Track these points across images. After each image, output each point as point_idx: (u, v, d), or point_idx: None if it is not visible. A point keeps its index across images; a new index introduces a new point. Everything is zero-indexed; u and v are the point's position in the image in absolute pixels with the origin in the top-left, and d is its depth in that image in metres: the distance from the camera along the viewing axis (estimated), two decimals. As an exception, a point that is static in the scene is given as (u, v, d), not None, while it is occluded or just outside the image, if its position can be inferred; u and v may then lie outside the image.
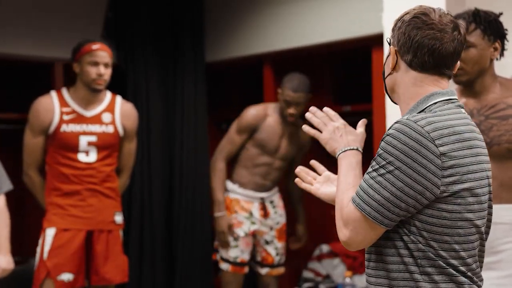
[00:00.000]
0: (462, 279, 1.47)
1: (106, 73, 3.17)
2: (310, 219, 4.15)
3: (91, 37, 3.48)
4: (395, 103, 1.63)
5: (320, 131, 1.67)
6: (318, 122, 1.67)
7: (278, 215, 3.64)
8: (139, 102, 4.43)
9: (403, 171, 1.41)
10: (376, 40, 3.48)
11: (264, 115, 3.62)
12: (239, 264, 3.58)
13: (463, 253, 1.47)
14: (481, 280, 1.55)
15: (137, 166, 4.34)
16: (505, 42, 2.24)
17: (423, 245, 1.46)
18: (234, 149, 3.62)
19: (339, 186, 1.53)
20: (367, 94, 3.66)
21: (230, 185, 3.65)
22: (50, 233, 3.11)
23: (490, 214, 1.59)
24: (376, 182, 1.44)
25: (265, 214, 3.57)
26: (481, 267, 1.57)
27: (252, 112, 3.63)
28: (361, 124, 1.67)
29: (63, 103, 3.18)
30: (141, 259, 4.34)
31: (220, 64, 4.60)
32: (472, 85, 2.22)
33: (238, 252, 3.57)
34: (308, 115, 1.69)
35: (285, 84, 3.54)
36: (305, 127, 1.70)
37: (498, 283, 2.16)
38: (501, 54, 2.25)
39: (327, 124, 1.65)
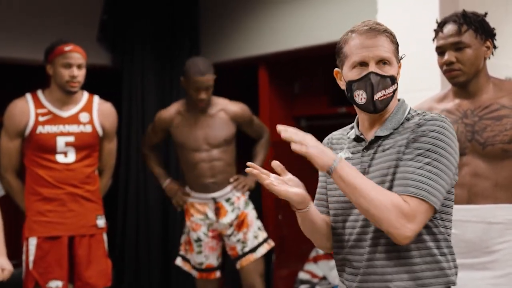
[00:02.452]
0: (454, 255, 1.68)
1: (80, 74, 3.11)
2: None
3: (86, 40, 3.47)
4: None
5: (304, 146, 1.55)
6: (299, 139, 1.54)
7: (236, 209, 3.53)
8: (134, 105, 4.44)
9: (449, 160, 1.57)
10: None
11: (170, 116, 3.56)
12: (206, 270, 3.54)
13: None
14: None
15: (132, 169, 4.36)
16: (495, 40, 2.26)
17: (442, 228, 1.62)
18: (152, 141, 3.69)
19: (367, 191, 1.53)
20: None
21: (187, 189, 3.63)
22: (32, 242, 3.07)
23: None
24: (434, 174, 1.54)
25: (219, 214, 3.49)
26: None
27: (159, 116, 3.63)
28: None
29: (39, 104, 3.14)
30: (137, 262, 4.35)
31: (215, 66, 4.60)
32: (466, 86, 2.23)
33: (202, 258, 3.53)
34: (283, 134, 1.55)
35: (189, 71, 3.44)
36: (295, 147, 1.54)
37: (494, 282, 2.17)
38: (492, 53, 2.27)
39: (307, 139, 1.55)
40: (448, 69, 2.21)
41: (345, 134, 1.75)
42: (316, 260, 4.29)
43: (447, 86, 2.36)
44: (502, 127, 2.17)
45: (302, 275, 4.31)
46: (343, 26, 1.77)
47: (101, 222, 3.24)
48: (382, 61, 1.61)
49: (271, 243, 3.61)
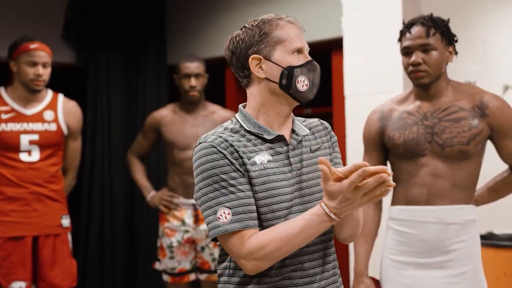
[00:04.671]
0: None
1: (45, 73, 3.08)
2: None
3: (50, 38, 3.43)
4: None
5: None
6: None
7: None
8: (99, 104, 4.41)
9: None
10: (336, 43, 3.54)
11: (161, 116, 3.59)
12: (178, 274, 3.53)
13: None
14: None
15: (97, 167, 4.32)
16: (455, 46, 2.33)
17: None
18: (142, 148, 3.67)
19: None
20: (327, 97, 3.72)
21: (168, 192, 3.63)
22: None
23: None
24: None
25: (197, 221, 3.48)
26: None
27: (150, 116, 3.67)
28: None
29: (1, 102, 3.09)
30: (101, 262, 4.32)
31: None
32: (428, 88, 2.28)
33: (175, 263, 3.52)
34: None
35: (180, 63, 3.54)
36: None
37: (449, 281, 2.22)
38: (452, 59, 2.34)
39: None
40: (414, 70, 2.24)
41: (239, 136, 1.54)
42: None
43: (409, 88, 2.41)
44: (460, 129, 2.22)
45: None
46: (308, 29, 1.80)
47: (65, 221, 3.20)
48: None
49: None
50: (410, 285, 2.26)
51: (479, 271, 2.27)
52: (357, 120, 2.87)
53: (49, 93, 3.22)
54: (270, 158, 1.52)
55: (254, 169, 1.49)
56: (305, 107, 4.14)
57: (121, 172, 4.31)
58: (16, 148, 3.06)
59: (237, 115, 1.59)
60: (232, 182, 1.47)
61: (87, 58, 4.38)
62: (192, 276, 3.57)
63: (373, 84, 3.18)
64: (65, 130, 3.20)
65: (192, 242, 3.53)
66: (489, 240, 3.05)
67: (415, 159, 2.26)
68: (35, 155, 3.09)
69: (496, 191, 2.38)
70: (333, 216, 1.40)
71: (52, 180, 3.15)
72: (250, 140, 1.53)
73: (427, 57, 2.23)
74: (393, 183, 1.36)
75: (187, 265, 3.54)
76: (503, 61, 3.87)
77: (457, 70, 2.85)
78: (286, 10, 3.95)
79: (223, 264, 1.57)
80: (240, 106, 1.61)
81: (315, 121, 1.65)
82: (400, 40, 2.32)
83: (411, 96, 2.36)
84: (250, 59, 1.53)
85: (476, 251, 2.28)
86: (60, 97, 3.25)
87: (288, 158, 1.53)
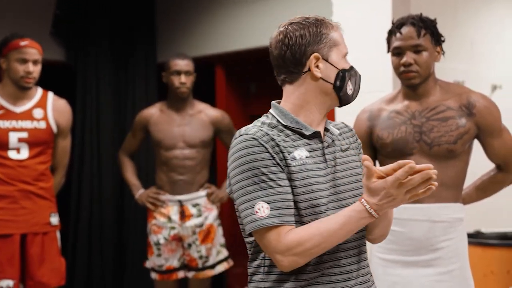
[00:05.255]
0: None
1: (35, 70, 3.06)
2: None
3: (39, 35, 3.41)
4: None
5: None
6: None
7: (203, 217, 3.53)
8: (89, 102, 4.39)
9: None
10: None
11: (150, 114, 3.60)
12: (166, 272, 3.54)
13: None
14: None
15: (87, 166, 4.31)
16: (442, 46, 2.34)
17: None
18: (131, 147, 3.68)
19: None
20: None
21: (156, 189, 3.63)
22: None
23: None
24: None
25: (183, 217, 3.49)
26: None
27: (138, 115, 3.67)
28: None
29: None
30: (90, 260, 4.31)
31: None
32: (416, 88, 2.30)
33: (162, 260, 3.52)
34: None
35: (169, 60, 3.56)
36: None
37: (437, 279, 2.23)
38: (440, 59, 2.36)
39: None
40: (406, 70, 2.25)
41: (278, 131, 1.54)
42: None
43: (399, 87, 2.43)
44: (448, 128, 2.24)
45: (256, 273, 4.35)
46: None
47: (54, 220, 3.19)
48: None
49: (230, 263, 3.67)
50: (397, 283, 2.28)
51: (466, 269, 2.29)
52: (347, 119, 2.88)
53: (39, 91, 3.20)
54: (308, 154, 1.52)
55: (294, 164, 1.49)
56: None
57: (110, 171, 4.30)
58: (5, 146, 3.05)
59: (272, 111, 1.58)
60: (272, 176, 1.46)
61: (77, 55, 4.37)
62: (180, 274, 3.57)
63: (363, 83, 3.18)
64: (54, 128, 3.19)
65: (179, 239, 3.53)
66: (477, 239, 3.08)
67: (404, 158, 2.25)
68: (24, 153, 3.08)
69: (483, 190, 2.41)
70: (373, 212, 1.42)
71: (41, 178, 3.14)
72: (288, 136, 1.53)
73: (418, 57, 2.24)
74: (436, 183, 1.40)
75: (174, 262, 3.54)
76: (491, 61, 3.90)
77: (445, 69, 2.87)
78: (276, 8, 3.96)
79: (256, 262, 1.56)
80: (274, 102, 1.60)
81: (340, 123, 1.67)
82: (389, 39, 2.33)
83: (399, 95, 2.37)
84: (311, 57, 1.53)
85: (463, 249, 2.30)
86: (50, 95, 3.23)
87: (323, 155, 1.54)
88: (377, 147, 2.36)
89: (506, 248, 2.96)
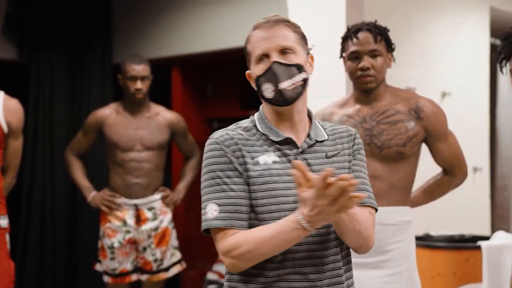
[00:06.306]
0: None
1: None
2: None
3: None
4: (294, 107, 1.56)
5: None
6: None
7: (159, 220, 3.52)
8: (42, 102, 4.32)
9: None
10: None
11: (104, 115, 3.56)
12: (120, 275, 3.51)
13: None
14: None
15: (39, 167, 4.23)
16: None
17: None
18: (81, 147, 3.63)
19: (358, 214, 1.50)
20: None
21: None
22: None
23: None
24: (371, 184, 1.65)
25: (139, 222, 3.47)
26: None
27: (92, 115, 3.63)
28: None
29: None
30: (41, 263, 4.23)
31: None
32: (368, 93, 2.35)
33: (115, 264, 3.49)
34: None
35: (126, 64, 3.51)
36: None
37: (386, 280, 2.28)
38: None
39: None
40: (363, 75, 2.29)
41: (250, 135, 1.56)
42: (224, 260, 4.34)
43: (351, 92, 2.47)
44: (397, 131, 2.30)
45: (210, 276, 4.35)
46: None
47: (4, 222, 3.11)
48: (284, 50, 1.54)
49: (183, 265, 3.66)
50: (348, 284, 2.31)
51: (414, 271, 2.35)
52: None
53: None
54: (277, 159, 1.52)
55: (255, 168, 1.50)
56: (252, 109, 4.17)
57: (63, 172, 4.23)
58: None
59: (255, 114, 1.60)
60: (226, 180, 1.49)
61: (30, 54, 4.29)
62: (133, 277, 3.55)
63: (316, 88, 3.24)
64: (5, 128, 3.12)
65: (133, 242, 3.51)
66: (425, 241, 3.16)
67: (355, 161, 2.32)
68: None
69: (430, 193, 2.48)
70: (305, 224, 1.39)
71: None
72: (260, 140, 1.54)
73: (375, 62, 2.29)
74: (361, 194, 1.37)
75: (128, 266, 3.52)
76: (441, 69, 4.01)
77: (398, 76, 2.94)
78: (233, 11, 3.98)
79: None
80: (261, 106, 1.61)
81: (342, 127, 1.64)
82: (344, 44, 2.38)
83: (351, 100, 2.42)
84: (246, 74, 1.62)
85: (411, 251, 2.35)
86: (1, 94, 3.16)
87: (291, 161, 1.51)
88: (329, 151, 2.39)
89: (453, 250, 3.04)
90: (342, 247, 1.57)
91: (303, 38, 1.59)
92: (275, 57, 1.53)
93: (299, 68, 1.55)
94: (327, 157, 1.55)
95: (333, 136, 1.60)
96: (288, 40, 1.54)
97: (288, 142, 1.54)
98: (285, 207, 1.49)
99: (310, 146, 1.55)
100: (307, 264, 1.50)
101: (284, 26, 1.56)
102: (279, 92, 1.52)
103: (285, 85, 1.52)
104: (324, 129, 1.61)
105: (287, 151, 1.54)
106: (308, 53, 1.61)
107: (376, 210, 1.61)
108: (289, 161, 1.51)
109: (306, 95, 1.59)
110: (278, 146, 1.54)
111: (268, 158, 1.51)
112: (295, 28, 1.59)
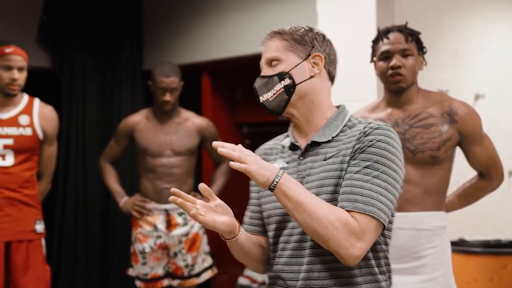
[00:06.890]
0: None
1: (20, 77, 3.06)
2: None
3: (25, 42, 3.40)
4: (289, 113, 1.58)
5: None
6: (238, 156, 1.40)
7: (189, 226, 3.53)
8: (75, 109, 4.39)
9: (397, 172, 1.47)
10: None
11: (135, 121, 3.59)
12: (151, 280, 3.53)
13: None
14: None
15: (72, 172, 4.29)
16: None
17: (383, 245, 1.53)
18: (114, 153, 3.67)
19: (313, 208, 1.39)
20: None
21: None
22: None
23: None
24: (383, 188, 1.43)
25: (170, 227, 3.49)
26: None
27: (123, 122, 3.66)
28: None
29: None
30: (75, 268, 4.28)
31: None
32: (399, 95, 2.33)
33: (147, 268, 3.51)
34: (220, 150, 1.40)
35: (155, 73, 3.51)
36: (233, 165, 1.39)
37: (421, 286, 2.25)
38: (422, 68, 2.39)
39: (245, 155, 1.41)
40: (394, 73, 2.27)
41: (278, 143, 1.64)
42: (256, 265, 4.34)
43: (382, 96, 2.45)
44: (431, 135, 2.27)
45: (241, 280, 4.35)
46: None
47: (39, 227, 3.17)
48: (271, 62, 1.58)
49: (215, 270, 3.67)
50: (382, 291, 2.29)
51: (450, 277, 2.31)
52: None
53: (25, 98, 3.19)
54: (285, 165, 1.58)
55: None
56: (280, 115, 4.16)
57: (96, 177, 4.28)
58: None
59: None
60: (252, 188, 1.68)
61: (62, 62, 4.36)
62: (165, 282, 3.56)
63: (347, 91, 3.22)
64: (40, 135, 3.18)
65: (164, 247, 3.53)
66: (460, 247, 3.11)
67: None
68: (9, 160, 3.06)
69: (465, 197, 2.44)
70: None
71: (26, 185, 3.12)
72: (277, 147, 1.65)
73: (406, 61, 2.28)
74: (198, 212, 1.45)
75: (159, 271, 3.54)
76: (474, 71, 3.96)
77: (430, 79, 2.91)
78: (260, 16, 3.99)
79: None
80: None
81: (362, 126, 1.52)
82: (374, 46, 2.36)
83: (382, 103, 2.40)
84: None
85: (447, 256, 2.32)
86: (36, 101, 3.22)
87: (297, 165, 1.56)
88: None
89: (489, 256, 2.99)
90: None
91: (297, 42, 1.58)
92: (263, 71, 1.59)
93: (281, 76, 1.56)
94: (325, 159, 1.51)
95: (345, 135, 1.53)
96: (272, 51, 1.58)
97: (295, 147, 1.59)
98: (277, 211, 1.56)
99: (307, 149, 1.55)
100: (287, 270, 1.55)
101: (274, 37, 1.60)
102: (263, 104, 1.59)
103: (266, 97, 1.57)
104: (352, 127, 1.54)
105: (294, 156, 1.58)
106: (310, 54, 1.59)
107: (377, 219, 1.42)
108: (293, 167, 1.56)
109: (317, 98, 1.57)
110: (290, 152, 1.60)
111: (277, 165, 1.58)
112: (285, 35, 1.59)
